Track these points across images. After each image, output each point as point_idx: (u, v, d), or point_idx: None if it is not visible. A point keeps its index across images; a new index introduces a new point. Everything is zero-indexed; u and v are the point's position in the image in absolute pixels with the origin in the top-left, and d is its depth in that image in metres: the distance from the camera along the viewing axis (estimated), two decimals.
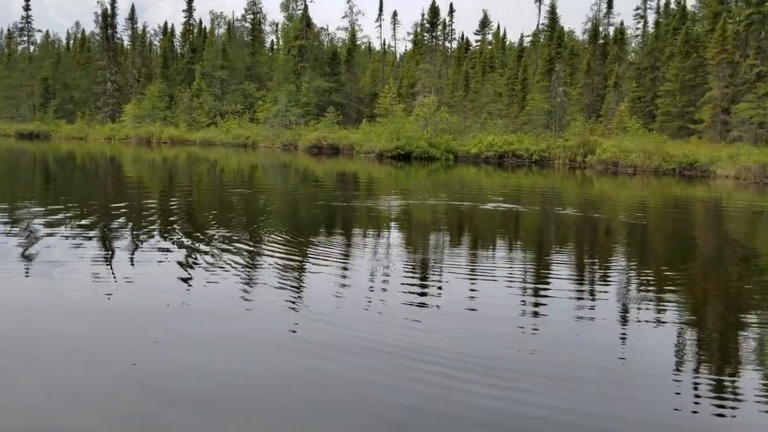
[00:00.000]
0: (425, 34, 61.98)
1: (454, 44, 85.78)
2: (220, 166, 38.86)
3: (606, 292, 9.46)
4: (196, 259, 10.63)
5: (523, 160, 47.10)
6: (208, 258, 10.67)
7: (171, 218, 15.96)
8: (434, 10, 62.02)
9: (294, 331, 7.11)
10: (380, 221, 16.55)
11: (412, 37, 77.08)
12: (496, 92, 61.12)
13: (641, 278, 10.63)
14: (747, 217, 20.89)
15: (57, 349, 6.43)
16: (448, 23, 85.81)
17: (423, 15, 67.14)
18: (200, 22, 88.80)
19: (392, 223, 16.29)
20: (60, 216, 15.27)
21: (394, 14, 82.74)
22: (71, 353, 6.34)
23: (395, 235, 14.47)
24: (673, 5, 67.14)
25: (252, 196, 22.66)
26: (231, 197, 22.08)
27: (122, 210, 16.98)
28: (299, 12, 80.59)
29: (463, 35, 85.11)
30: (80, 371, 5.89)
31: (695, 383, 5.99)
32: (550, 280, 10.06)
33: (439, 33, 79.50)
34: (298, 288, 9.04)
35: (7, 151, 49.47)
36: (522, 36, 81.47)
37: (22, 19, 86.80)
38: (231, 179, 30.30)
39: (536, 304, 8.56)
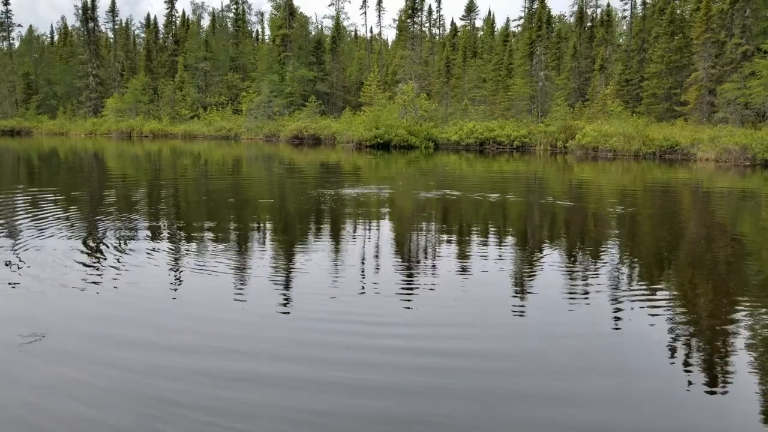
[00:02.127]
0: (408, 20, 60.70)
1: (445, 31, 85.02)
2: (203, 159, 37.80)
3: (597, 279, 9.10)
4: (186, 254, 10.38)
5: (504, 146, 46.08)
6: (197, 252, 10.46)
7: (160, 214, 15.30)
8: None
9: (286, 311, 7.26)
10: (358, 216, 15.58)
11: (397, 24, 75.70)
12: (480, 78, 59.95)
13: (631, 265, 10.27)
14: (730, 201, 19.98)
15: (42, 354, 6.03)
16: (435, 9, 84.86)
17: (407, 1, 65.68)
18: (183, 14, 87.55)
19: (374, 217, 15.28)
20: (43, 222, 14.05)
21: (379, 1, 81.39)
22: (61, 357, 5.99)
23: (378, 229, 13.55)
24: None
25: (237, 189, 21.86)
26: (217, 190, 21.19)
27: (109, 209, 16.00)
28: (289, 1, 79.27)
29: (452, 22, 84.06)
30: (76, 374, 5.61)
31: (688, 366, 5.96)
32: (540, 268, 9.80)
33: (424, 19, 78.40)
34: (289, 278, 8.87)
35: None
36: (508, 20, 79.99)
37: (1, 15, 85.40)
38: (216, 172, 29.30)
39: (526, 293, 8.38)
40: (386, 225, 14.03)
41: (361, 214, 15.45)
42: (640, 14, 65.56)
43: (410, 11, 60.68)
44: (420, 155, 42.33)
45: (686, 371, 5.78)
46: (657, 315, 7.40)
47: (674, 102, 50.79)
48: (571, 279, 9.05)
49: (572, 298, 8.06)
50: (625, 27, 74.76)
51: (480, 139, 46.57)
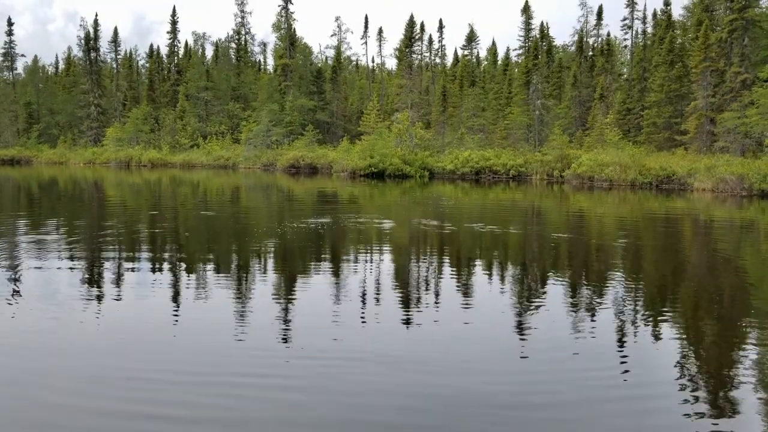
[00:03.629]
0: (404, 49, 60.63)
1: (447, 60, 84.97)
2: (202, 189, 37.32)
3: (601, 311, 8.91)
4: (185, 287, 10.28)
5: (500, 176, 45.37)
6: (195, 285, 10.41)
7: (160, 243, 15.26)
8: (411, 25, 60.73)
9: (286, 343, 7.18)
10: (355, 246, 15.10)
11: (396, 53, 75.68)
12: (478, 107, 59.52)
13: (635, 297, 10.05)
14: (730, 232, 19.39)
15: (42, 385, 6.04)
16: (437, 39, 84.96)
17: (405, 31, 65.68)
18: (186, 44, 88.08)
19: (372, 249, 14.74)
20: (47, 248, 13.85)
21: (380, 31, 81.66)
22: (58, 390, 5.93)
23: (376, 262, 13.04)
24: (660, 15, 65.55)
25: (237, 218, 21.67)
26: (216, 220, 20.89)
27: (109, 239, 15.69)
28: (292, 32, 79.53)
29: (455, 51, 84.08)
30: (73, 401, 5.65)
31: (695, 395, 5.90)
32: (543, 301, 9.60)
33: (424, 49, 78.47)
34: (287, 312, 8.71)
35: None
36: (508, 49, 79.93)
37: (5, 45, 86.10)
38: (215, 202, 28.85)
39: (531, 326, 8.24)
40: (384, 258, 13.50)
41: (359, 246, 15.10)
42: (641, 43, 65.23)
43: (408, 41, 60.55)
44: (415, 184, 41.70)
45: (693, 403, 5.71)
46: (663, 347, 7.35)
47: (674, 131, 50.08)
48: (574, 312, 8.81)
49: (578, 332, 7.88)
50: (627, 56, 74.43)
51: (476, 168, 45.92)
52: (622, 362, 6.73)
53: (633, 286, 10.84)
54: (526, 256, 14.15)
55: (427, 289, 10.35)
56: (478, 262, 13.23)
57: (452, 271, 12.08)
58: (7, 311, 8.48)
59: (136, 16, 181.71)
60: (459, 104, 59.78)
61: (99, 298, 9.27)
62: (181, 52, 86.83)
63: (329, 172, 54.19)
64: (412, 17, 61.19)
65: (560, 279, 11.34)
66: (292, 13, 78.80)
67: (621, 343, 7.45)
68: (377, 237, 16.79)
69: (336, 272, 11.56)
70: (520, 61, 77.98)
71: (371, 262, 12.74)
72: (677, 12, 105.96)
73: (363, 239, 16.28)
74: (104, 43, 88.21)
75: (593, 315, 8.63)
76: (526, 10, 75.25)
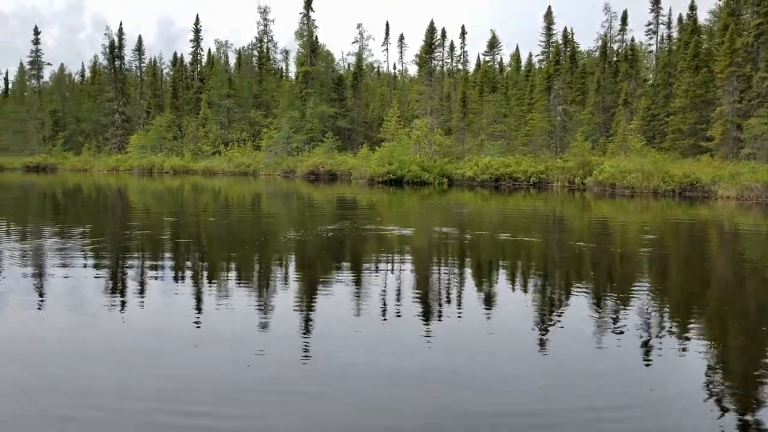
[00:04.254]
0: (424, 55, 60.34)
1: (470, 67, 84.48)
2: (223, 195, 37.52)
3: (627, 323, 8.65)
4: (207, 293, 10.34)
5: (520, 182, 44.79)
6: (218, 292, 10.45)
7: (183, 250, 15.36)
8: (431, 31, 60.37)
9: (307, 357, 7.04)
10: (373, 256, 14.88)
11: (416, 60, 75.37)
12: (499, 113, 58.95)
13: (662, 307, 9.85)
14: (758, 241, 18.86)
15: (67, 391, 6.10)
16: (460, 46, 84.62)
17: (424, 38, 65.38)
18: (209, 52, 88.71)
19: (393, 258, 14.52)
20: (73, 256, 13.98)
21: (401, 37, 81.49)
22: (91, 394, 5.99)
23: (398, 268, 13.00)
24: (686, 19, 64.47)
25: (259, 225, 21.77)
26: (239, 226, 21.15)
27: (132, 246, 15.95)
28: (314, 39, 79.73)
29: (478, 57, 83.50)
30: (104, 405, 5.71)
31: (722, 409, 5.79)
32: (568, 311, 9.44)
33: (446, 55, 78.16)
34: (310, 321, 8.68)
35: (4, 187, 48.84)
36: (530, 55, 79.24)
37: (31, 53, 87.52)
38: (237, 208, 29.11)
39: (555, 335, 8.09)
40: (404, 267, 13.27)
41: (377, 255, 14.90)
42: (666, 48, 64.20)
43: (428, 47, 60.24)
44: (433, 191, 41.35)
45: (719, 415, 5.63)
46: (689, 361, 7.15)
47: (700, 137, 49.06)
48: (598, 324, 8.63)
49: (602, 347, 7.68)
50: (653, 62, 73.32)
51: (495, 175, 45.43)
52: (647, 375, 6.61)
53: (658, 296, 10.58)
54: (548, 266, 13.80)
55: (448, 300, 10.13)
56: (500, 272, 12.92)
57: (474, 281, 11.82)
58: (34, 318, 8.60)
59: (164, 23, 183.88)
60: (479, 111, 59.25)
61: (123, 305, 9.35)
62: (204, 59, 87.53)
63: (348, 179, 54.02)
64: (432, 23, 60.81)
65: (584, 289, 11.06)
66: (314, 20, 79.03)
67: (647, 354, 7.30)
68: (395, 245, 16.50)
69: (356, 282, 11.41)
70: (542, 66, 77.39)
71: (390, 272, 12.50)
72: (703, 17, 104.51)
73: (381, 248, 16.04)
74: (130, 51, 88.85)
75: (618, 328, 8.39)
76: (548, 15, 74.68)
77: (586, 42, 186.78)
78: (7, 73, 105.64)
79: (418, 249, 15.97)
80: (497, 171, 45.26)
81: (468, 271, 12.80)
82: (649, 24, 68.40)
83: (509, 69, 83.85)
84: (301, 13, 78.30)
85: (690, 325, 8.69)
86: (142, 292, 10.28)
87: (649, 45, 70.78)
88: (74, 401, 5.84)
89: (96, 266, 12.48)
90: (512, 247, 16.27)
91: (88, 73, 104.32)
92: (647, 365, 6.92)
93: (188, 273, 12.15)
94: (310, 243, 16.47)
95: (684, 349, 7.51)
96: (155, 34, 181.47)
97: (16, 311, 9.00)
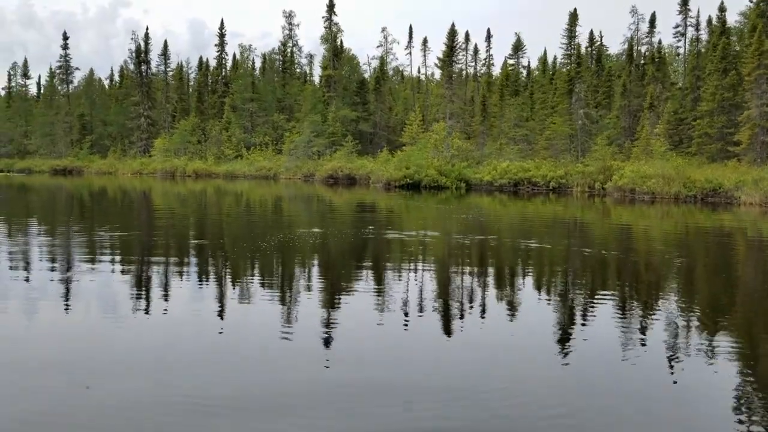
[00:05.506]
0: (445, 59, 59.78)
1: (495, 70, 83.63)
2: (245, 199, 37.67)
3: (653, 334, 8.38)
4: (231, 298, 10.23)
5: (539, 187, 43.92)
6: (242, 296, 10.39)
7: (206, 253, 15.35)
8: (452, 34, 59.79)
9: (327, 367, 6.86)
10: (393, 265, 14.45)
11: (440, 63, 74.82)
12: (521, 117, 58.10)
13: (688, 319, 9.44)
14: None
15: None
16: (486, 49, 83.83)
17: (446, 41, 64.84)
18: (234, 56, 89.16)
19: (414, 263, 14.19)
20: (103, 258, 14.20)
21: (424, 41, 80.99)
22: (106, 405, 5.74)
23: (419, 278, 12.53)
24: (715, 21, 62.85)
25: (281, 228, 21.48)
26: (262, 229, 21.20)
27: (157, 248, 16.05)
28: (337, 43, 79.76)
29: (505, 61, 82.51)
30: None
31: (752, 422, 5.54)
32: (591, 322, 9.08)
33: (470, 59, 77.52)
34: (333, 329, 8.50)
35: (33, 189, 49.43)
36: (555, 58, 78.03)
37: (60, 58, 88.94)
38: (259, 211, 29.25)
39: (578, 347, 7.79)
40: (427, 273, 12.92)
41: (394, 261, 14.54)
42: (694, 51, 62.63)
43: (450, 50, 59.69)
44: (450, 196, 40.72)
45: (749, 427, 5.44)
46: (716, 374, 6.86)
47: (727, 142, 47.66)
48: (627, 332, 8.38)
49: (628, 363, 7.29)
50: (681, 65, 71.67)
51: (514, 179, 44.62)
52: (673, 392, 6.38)
53: (684, 306, 10.16)
54: (569, 274, 13.22)
55: (471, 308, 9.76)
56: (521, 280, 12.46)
57: (494, 288, 11.44)
58: (61, 322, 8.54)
59: (197, 28, 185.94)
60: (500, 114, 58.47)
61: (146, 310, 9.19)
62: (229, 64, 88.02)
63: (367, 182, 53.69)
64: (453, 26, 60.25)
65: (607, 299, 10.60)
66: (336, 23, 78.97)
67: (672, 369, 6.98)
68: (411, 251, 16.07)
69: (375, 288, 11.17)
70: (564, 69, 76.26)
71: (411, 278, 12.14)
72: (733, 18, 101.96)
73: (397, 253, 15.62)
74: (156, 56, 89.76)
75: (642, 340, 8.10)
76: (574, 17, 73.43)
77: (612, 45, 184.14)
78: (39, 78, 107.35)
79: (437, 256, 15.51)
80: (516, 175, 44.48)
81: (488, 279, 12.40)
82: (678, 26, 66.78)
83: (537, 72, 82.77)
84: (323, 17, 78.29)
85: (717, 339, 8.25)
86: (164, 296, 10.19)
87: (677, 48, 69.22)
88: (98, 404, 5.73)
89: (122, 272, 12.40)
90: (534, 255, 15.66)
91: (117, 78, 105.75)
92: (674, 381, 6.62)
93: (212, 275, 12.21)
94: (333, 246, 16.40)
95: (712, 365, 7.16)
96: (187, 40, 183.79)
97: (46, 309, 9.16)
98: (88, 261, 13.22)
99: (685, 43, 66.59)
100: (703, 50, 60.39)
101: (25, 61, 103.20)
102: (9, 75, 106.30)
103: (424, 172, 45.69)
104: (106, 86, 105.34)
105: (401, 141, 66.49)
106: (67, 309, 9.14)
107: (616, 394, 6.21)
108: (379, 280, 11.86)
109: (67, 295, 10.01)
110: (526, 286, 11.86)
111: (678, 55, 70.99)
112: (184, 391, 5.94)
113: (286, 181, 61.01)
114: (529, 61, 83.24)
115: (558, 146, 49.87)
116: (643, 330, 8.52)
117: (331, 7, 78.10)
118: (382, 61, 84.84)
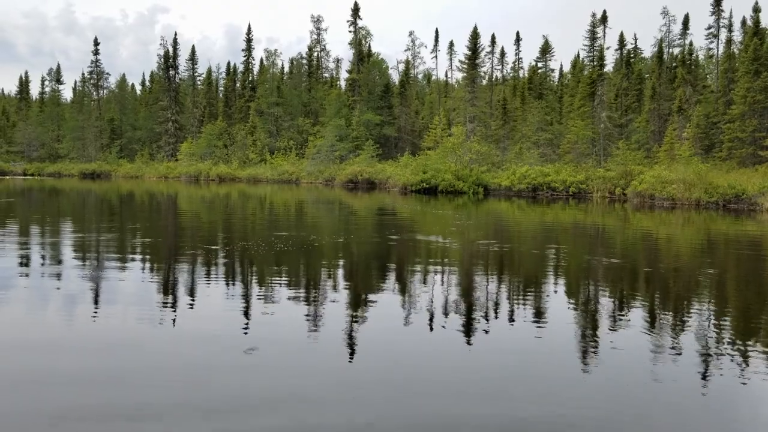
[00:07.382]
0: (468, 62, 58.96)
1: (523, 73, 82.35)
2: (268, 203, 37.50)
3: (684, 348, 7.95)
4: (255, 300, 10.17)
5: (559, 193, 42.73)
6: (265, 299, 10.32)
7: (232, 257, 15.00)
8: (475, 37, 58.91)
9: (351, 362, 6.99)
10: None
11: (462, 66, 73.95)
12: (544, 120, 56.88)
13: (720, 333, 8.86)
14: None
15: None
16: (515, 52, 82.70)
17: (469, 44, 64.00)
18: (261, 61, 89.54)
19: (434, 270, 13.77)
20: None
21: (450, 44, 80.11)
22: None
23: (438, 284, 12.14)
24: (749, 22, 60.73)
25: (305, 232, 21.16)
26: (286, 233, 20.59)
27: (183, 253, 15.78)
28: (365, 48, 79.58)
29: (534, 64, 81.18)
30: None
31: None
32: (619, 333, 8.67)
33: (496, 62, 76.49)
34: (357, 330, 8.46)
35: (63, 192, 50.07)
36: (583, 61, 76.37)
37: (91, 64, 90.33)
38: (283, 215, 28.91)
39: (605, 358, 7.49)
40: (448, 280, 12.44)
41: (415, 266, 14.17)
42: (725, 52, 60.64)
43: (472, 54, 58.84)
44: (467, 201, 39.80)
45: None
46: (749, 390, 6.54)
47: (759, 146, 45.88)
48: (657, 342, 8.12)
49: (658, 362, 7.26)
50: (713, 67, 69.57)
51: (533, 184, 43.50)
52: (708, 402, 6.18)
53: (716, 317, 9.62)
54: (595, 283, 12.54)
55: (496, 315, 9.44)
56: (544, 289, 11.76)
57: (517, 297, 10.89)
58: (87, 328, 8.42)
59: (233, 34, 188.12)
60: (522, 118, 57.33)
61: (172, 320, 8.98)
62: (256, 69, 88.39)
63: (386, 187, 53.09)
64: (475, 29, 59.37)
65: (638, 308, 10.11)
66: (363, 28, 78.73)
67: (704, 385, 6.65)
68: (430, 256, 15.60)
69: (395, 294, 10.94)
70: (586, 72, 74.66)
71: (432, 284, 11.83)
72: (767, 19, 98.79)
73: (418, 258, 15.19)
74: (184, 61, 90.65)
75: (674, 349, 7.83)
76: (603, 20, 71.89)
77: (647, 49, 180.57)
78: (75, 84, 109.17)
79: (456, 262, 14.90)
80: (535, 180, 43.35)
81: (512, 286, 11.94)
82: (710, 27, 64.78)
83: (570, 76, 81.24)
84: (348, 21, 78.12)
85: (751, 351, 7.80)
86: (191, 303, 9.99)
87: (710, 50, 67.19)
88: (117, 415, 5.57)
89: (150, 278, 12.27)
90: (557, 263, 14.89)
91: (148, 83, 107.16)
92: (704, 395, 6.37)
93: (239, 279, 12.11)
94: (354, 253, 16.14)
95: (745, 377, 6.84)
96: (224, 45, 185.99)
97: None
98: (118, 260, 13.55)
99: (717, 44, 64.65)
100: (736, 52, 58.44)
101: (58, 67, 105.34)
102: (42, 80, 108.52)
103: (440, 176, 44.89)
104: (138, 91, 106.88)
105: (425, 145, 65.84)
106: (95, 312, 9.13)
107: (648, 404, 6.03)
108: (407, 286, 11.69)
109: (96, 296, 10.13)
110: (552, 292, 11.39)
111: (710, 57, 68.90)
112: (215, 395, 5.91)
113: (307, 185, 60.78)
114: (561, 64, 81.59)
115: (579, 150, 48.56)
116: (674, 340, 8.27)
117: (355, 12, 77.92)
118: (408, 64, 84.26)
